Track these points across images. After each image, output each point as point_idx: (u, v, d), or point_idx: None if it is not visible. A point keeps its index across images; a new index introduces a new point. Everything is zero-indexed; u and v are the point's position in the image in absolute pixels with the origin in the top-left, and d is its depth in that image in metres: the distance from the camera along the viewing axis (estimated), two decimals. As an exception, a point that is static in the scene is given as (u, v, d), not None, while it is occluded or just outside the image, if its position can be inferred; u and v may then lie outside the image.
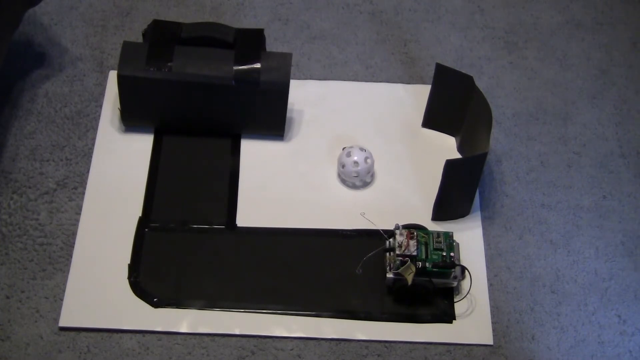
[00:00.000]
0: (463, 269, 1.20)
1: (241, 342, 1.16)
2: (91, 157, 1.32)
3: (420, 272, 1.16)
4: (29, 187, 1.28)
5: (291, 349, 1.16)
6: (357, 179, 1.30)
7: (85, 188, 1.28)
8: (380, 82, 1.44)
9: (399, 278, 1.17)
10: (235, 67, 1.27)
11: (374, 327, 1.18)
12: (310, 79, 1.44)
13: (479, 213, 1.29)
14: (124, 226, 1.25)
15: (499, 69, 1.47)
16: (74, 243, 1.23)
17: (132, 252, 1.22)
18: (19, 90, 1.38)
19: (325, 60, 1.46)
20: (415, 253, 1.17)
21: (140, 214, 1.26)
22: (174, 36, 1.29)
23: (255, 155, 1.34)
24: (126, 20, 1.49)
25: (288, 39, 1.49)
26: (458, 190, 1.25)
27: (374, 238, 1.24)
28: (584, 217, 1.31)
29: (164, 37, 1.29)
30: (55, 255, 1.22)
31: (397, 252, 1.17)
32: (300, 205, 1.29)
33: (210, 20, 1.50)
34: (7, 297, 1.18)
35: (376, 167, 1.33)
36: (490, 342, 1.18)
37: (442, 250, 1.18)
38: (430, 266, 1.17)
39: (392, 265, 1.18)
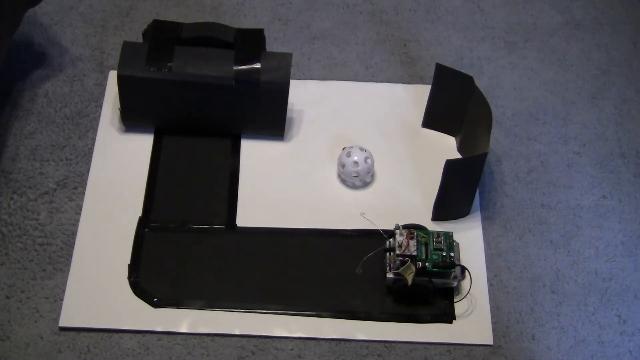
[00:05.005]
0: (463, 269, 1.20)
1: (241, 342, 1.16)
2: (91, 157, 1.32)
3: (420, 272, 1.16)
4: (29, 187, 1.28)
5: (291, 349, 1.16)
6: (357, 179, 1.30)
7: (85, 188, 1.28)
8: (380, 82, 1.44)
9: (399, 278, 1.17)
10: (235, 67, 1.27)
11: (374, 327, 1.18)
12: (310, 79, 1.44)
13: (479, 213, 1.29)
14: (124, 226, 1.25)
15: (499, 69, 1.47)
16: (74, 243, 1.23)
17: (132, 252, 1.22)
18: (19, 90, 1.38)
19: (325, 60, 1.46)
20: (415, 253, 1.17)
21: (140, 214, 1.26)
22: (174, 36, 1.29)
23: (255, 155, 1.34)
24: (126, 20, 1.49)
25: (288, 39, 1.49)
26: (458, 190, 1.25)
27: (374, 238, 1.24)
28: (584, 217, 1.31)
29: (164, 37, 1.29)
30: (55, 255, 1.22)
31: (397, 252, 1.17)
32: (300, 205, 1.29)
33: (210, 20, 1.50)
34: (7, 297, 1.18)
35: (376, 167, 1.33)
36: (490, 342, 1.17)
37: (442, 250, 1.18)
38: (430, 266, 1.17)
39: (392, 265, 1.18)
